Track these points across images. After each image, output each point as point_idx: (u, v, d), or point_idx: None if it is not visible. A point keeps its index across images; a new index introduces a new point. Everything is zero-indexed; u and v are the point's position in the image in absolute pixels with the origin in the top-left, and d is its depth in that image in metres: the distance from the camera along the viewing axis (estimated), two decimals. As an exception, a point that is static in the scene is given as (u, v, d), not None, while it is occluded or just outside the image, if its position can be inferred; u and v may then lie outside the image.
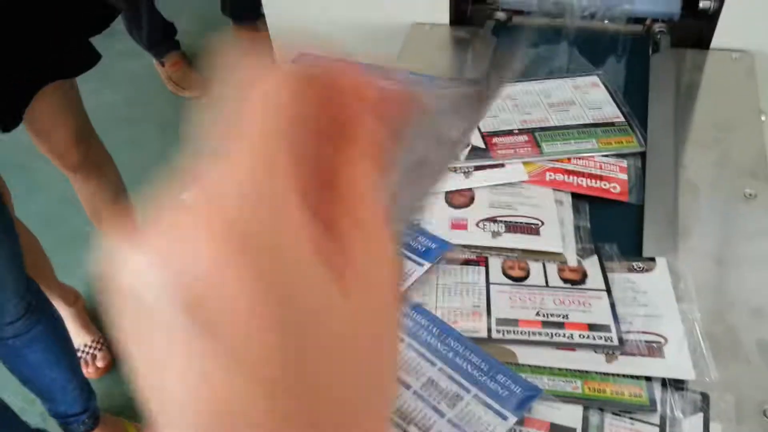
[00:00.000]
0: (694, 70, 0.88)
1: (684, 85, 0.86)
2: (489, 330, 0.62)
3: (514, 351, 0.60)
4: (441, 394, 0.57)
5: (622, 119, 0.82)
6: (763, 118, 0.83)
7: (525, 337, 0.61)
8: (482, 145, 0.79)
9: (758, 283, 0.64)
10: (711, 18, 0.90)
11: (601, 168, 0.77)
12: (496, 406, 0.56)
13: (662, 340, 0.60)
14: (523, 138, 0.80)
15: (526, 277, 0.67)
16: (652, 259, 0.67)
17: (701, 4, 0.90)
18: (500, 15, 1.04)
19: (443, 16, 0.98)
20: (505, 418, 0.55)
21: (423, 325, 0.62)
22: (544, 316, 0.62)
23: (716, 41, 0.89)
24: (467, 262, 0.68)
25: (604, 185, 0.75)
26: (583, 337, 0.60)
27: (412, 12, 0.98)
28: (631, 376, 0.58)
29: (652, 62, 0.91)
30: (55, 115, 1.27)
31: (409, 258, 0.67)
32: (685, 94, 0.85)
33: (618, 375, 0.58)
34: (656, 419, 0.55)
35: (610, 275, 0.66)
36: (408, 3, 0.98)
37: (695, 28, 0.95)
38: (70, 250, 1.96)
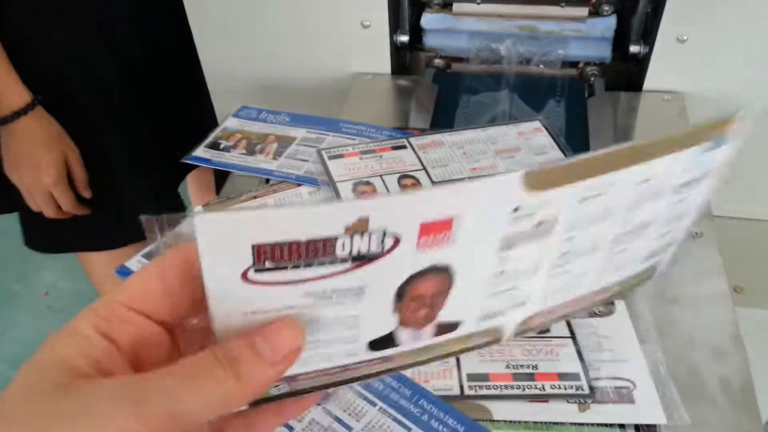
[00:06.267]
0: (630, 112, 0.92)
1: (621, 128, 0.89)
2: (461, 387, 0.61)
3: (488, 407, 0.59)
4: (418, 459, 0.56)
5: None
6: (696, 155, 0.87)
7: (497, 392, 0.60)
8: (435, 196, 0.79)
9: (714, 321, 0.65)
10: (641, 62, 0.94)
11: (552, 212, 0.78)
12: (476, 466, 0.55)
13: (631, 385, 0.60)
14: (475, 186, 0.81)
15: (491, 329, 0.66)
16: (611, 303, 0.68)
17: (632, 49, 0.94)
18: (439, 62, 1.06)
19: (384, 65, 0.98)
20: (485, 478, 0.54)
21: (393, 387, 0.61)
22: (514, 368, 0.62)
23: (648, 84, 0.93)
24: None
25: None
26: (555, 387, 0.60)
27: (353, 62, 0.98)
28: (605, 425, 0.58)
29: (590, 105, 0.94)
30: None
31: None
32: (623, 136, 0.88)
33: (592, 424, 0.58)
34: (633, 467, 0.55)
35: (572, 320, 0.67)
36: (349, 53, 0.98)
37: (627, 72, 0.99)
38: (2, 310, 1.86)
